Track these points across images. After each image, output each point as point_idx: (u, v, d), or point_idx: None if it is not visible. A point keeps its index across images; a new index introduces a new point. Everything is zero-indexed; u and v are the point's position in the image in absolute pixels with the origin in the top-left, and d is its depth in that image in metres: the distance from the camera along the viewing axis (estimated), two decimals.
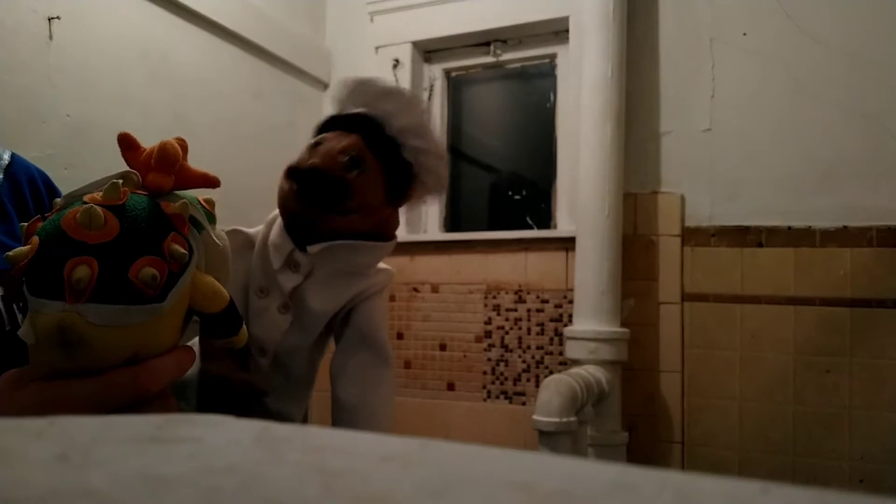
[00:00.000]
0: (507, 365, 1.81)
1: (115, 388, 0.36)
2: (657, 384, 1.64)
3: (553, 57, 1.94)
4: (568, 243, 1.73)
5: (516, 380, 1.79)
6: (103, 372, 0.36)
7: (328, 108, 0.84)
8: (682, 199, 1.67)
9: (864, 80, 1.53)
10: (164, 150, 0.40)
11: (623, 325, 1.60)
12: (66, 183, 0.63)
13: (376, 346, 0.80)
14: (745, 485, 0.14)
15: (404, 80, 2.00)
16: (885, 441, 1.44)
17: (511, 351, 1.80)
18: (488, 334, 1.83)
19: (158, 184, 0.40)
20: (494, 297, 1.83)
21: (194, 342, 0.68)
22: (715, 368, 1.60)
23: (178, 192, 0.41)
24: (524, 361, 1.79)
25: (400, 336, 1.91)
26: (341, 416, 0.77)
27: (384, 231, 0.80)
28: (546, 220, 1.93)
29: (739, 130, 1.64)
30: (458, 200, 2.11)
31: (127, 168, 0.40)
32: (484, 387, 1.82)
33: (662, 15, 1.74)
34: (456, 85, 2.12)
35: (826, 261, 1.52)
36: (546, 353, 1.77)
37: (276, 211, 0.79)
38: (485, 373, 1.83)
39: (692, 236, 1.65)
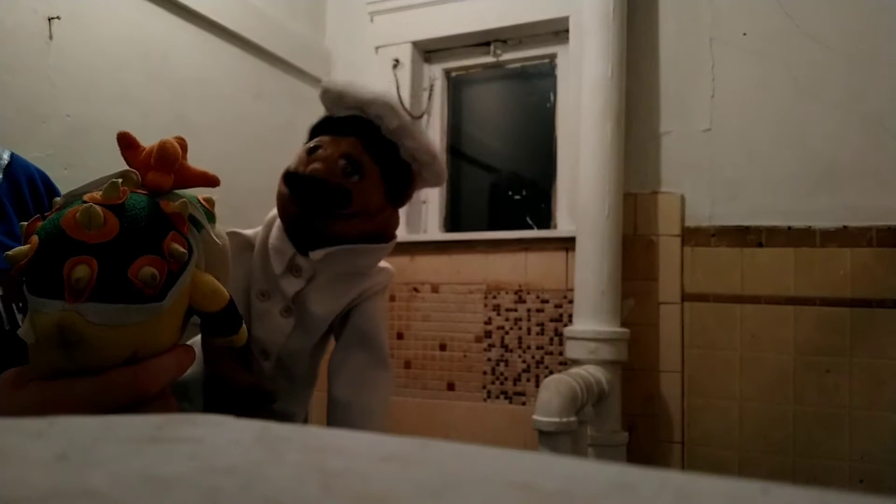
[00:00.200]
0: (507, 365, 1.81)
1: (115, 388, 0.36)
2: (657, 384, 1.64)
3: (553, 57, 1.94)
4: (568, 243, 1.73)
5: (516, 380, 1.79)
6: (103, 371, 0.36)
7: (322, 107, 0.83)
8: (682, 199, 1.67)
9: (864, 80, 1.53)
10: (163, 149, 0.40)
11: (623, 325, 1.60)
12: (66, 183, 0.63)
13: (375, 346, 0.80)
14: (745, 485, 0.14)
15: (404, 80, 2.00)
16: (885, 441, 1.44)
17: (511, 351, 1.80)
18: (488, 334, 1.83)
19: (158, 183, 0.40)
20: (494, 297, 1.83)
21: (196, 343, 0.68)
22: (715, 368, 1.60)
23: (177, 191, 0.41)
24: (524, 361, 1.79)
25: (400, 336, 1.91)
26: (336, 415, 0.77)
27: (385, 232, 0.80)
28: (546, 220, 1.93)
29: (739, 130, 1.64)
30: (459, 200, 2.11)
31: (126, 167, 0.40)
32: (484, 387, 1.82)
33: (662, 15, 1.74)
34: (456, 85, 2.12)
35: (826, 261, 1.52)
36: (546, 353, 1.77)
37: (275, 211, 0.79)
38: (485, 373, 1.83)
39: (692, 236, 1.65)
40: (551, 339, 1.76)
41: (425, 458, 0.16)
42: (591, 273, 1.58)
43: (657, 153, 1.71)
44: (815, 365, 1.51)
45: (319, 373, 0.85)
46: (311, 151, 0.75)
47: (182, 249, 0.38)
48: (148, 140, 0.41)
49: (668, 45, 1.73)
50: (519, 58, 1.99)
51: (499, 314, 1.83)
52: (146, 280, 0.36)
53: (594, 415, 1.44)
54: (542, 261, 1.79)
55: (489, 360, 1.82)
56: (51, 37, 1.29)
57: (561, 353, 1.71)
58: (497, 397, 1.81)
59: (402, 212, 0.84)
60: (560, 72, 1.92)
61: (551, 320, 1.77)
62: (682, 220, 1.67)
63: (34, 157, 0.74)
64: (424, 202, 2.02)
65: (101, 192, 0.38)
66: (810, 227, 1.55)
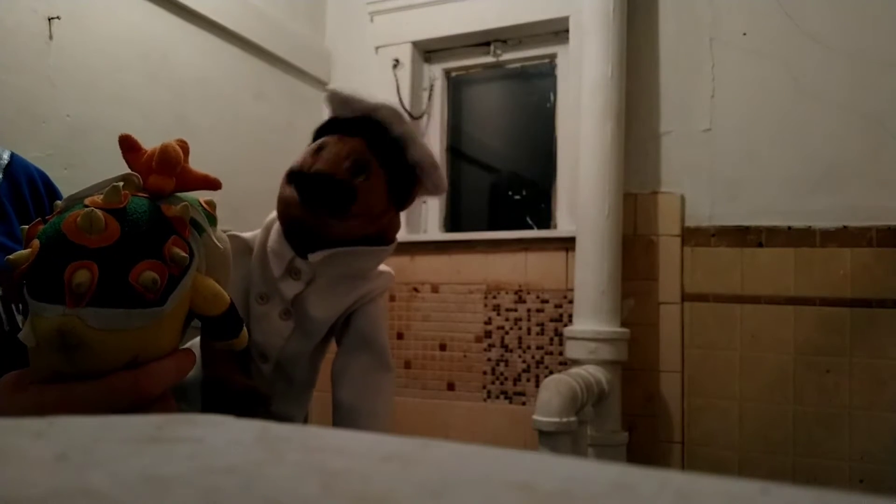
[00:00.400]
0: (507, 365, 1.81)
1: (116, 392, 0.36)
2: (657, 384, 1.64)
3: (553, 57, 1.94)
4: (568, 243, 1.73)
5: (516, 380, 1.79)
6: (103, 375, 0.36)
7: (327, 110, 0.83)
8: (682, 199, 1.67)
9: (864, 81, 1.53)
10: (165, 152, 0.39)
11: (623, 325, 1.60)
12: (65, 183, 0.63)
13: (378, 349, 0.80)
14: (745, 485, 0.14)
15: (404, 80, 2.00)
16: (885, 441, 1.44)
17: (511, 351, 1.80)
18: (488, 334, 1.83)
19: (159, 186, 0.40)
20: (494, 297, 1.83)
21: (195, 346, 0.68)
22: (715, 368, 1.60)
23: (179, 193, 0.41)
24: (524, 361, 1.79)
25: (400, 336, 1.91)
26: (342, 419, 0.77)
27: (385, 234, 0.80)
28: (546, 220, 1.93)
29: (739, 130, 1.64)
30: (458, 200, 2.11)
31: (128, 170, 0.40)
32: (484, 387, 1.82)
33: (662, 15, 1.74)
34: (456, 85, 2.12)
35: (826, 261, 1.52)
36: (546, 353, 1.77)
37: (274, 214, 0.78)
38: (485, 373, 1.83)
39: (692, 236, 1.65)
40: (551, 339, 1.76)
41: (425, 458, 0.16)
42: (591, 273, 1.58)
43: (657, 153, 1.71)
44: (815, 365, 1.51)
45: (319, 376, 0.85)
46: (316, 151, 0.75)
47: (183, 254, 0.38)
48: (148, 141, 0.41)
49: (668, 45, 1.73)
50: (519, 58, 1.99)
51: (499, 314, 1.83)
52: (147, 285, 0.36)
53: (594, 415, 1.44)
54: (542, 261, 1.79)
55: (489, 360, 1.82)
56: (51, 37, 1.29)
57: (561, 353, 1.71)
58: (497, 397, 1.81)
59: (402, 213, 0.84)
60: (560, 72, 1.92)
61: (551, 320, 1.77)
62: (682, 220, 1.67)
63: (34, 157, 0.74)
64: (424, 202, 2.02)
65: (102, 196, 0.37)
66: (810, 227, 1.55)
